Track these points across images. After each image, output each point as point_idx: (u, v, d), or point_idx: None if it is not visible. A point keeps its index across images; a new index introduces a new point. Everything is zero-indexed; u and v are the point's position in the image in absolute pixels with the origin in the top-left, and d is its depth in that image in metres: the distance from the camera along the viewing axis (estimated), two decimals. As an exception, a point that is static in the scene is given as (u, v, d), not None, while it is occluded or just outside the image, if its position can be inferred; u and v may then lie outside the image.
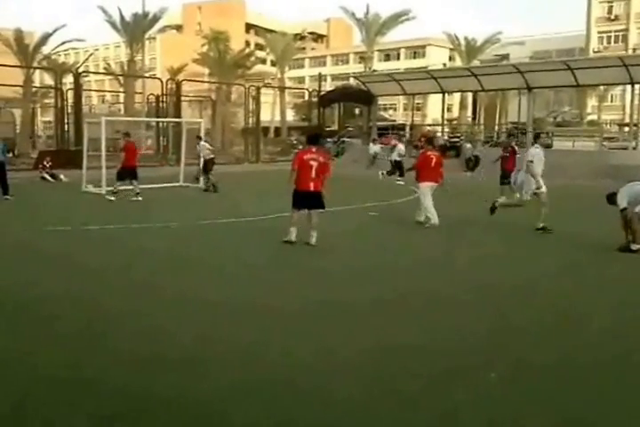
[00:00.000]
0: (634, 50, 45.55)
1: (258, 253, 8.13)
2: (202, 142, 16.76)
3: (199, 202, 14.41)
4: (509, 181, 14.77)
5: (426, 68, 41.14)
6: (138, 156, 14.88)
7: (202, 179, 16.47)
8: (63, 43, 39.93)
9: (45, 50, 39.55)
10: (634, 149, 24.68)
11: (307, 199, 8.54)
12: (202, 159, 16.58)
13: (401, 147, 21.01)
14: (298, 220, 8.66)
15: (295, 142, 34.05)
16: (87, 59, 37.80)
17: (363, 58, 54.92)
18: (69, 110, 27.66)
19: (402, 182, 18.38)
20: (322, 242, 8.51)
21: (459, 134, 30.45)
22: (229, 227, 10.35)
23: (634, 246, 8.36)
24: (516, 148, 15.32)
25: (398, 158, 20.14)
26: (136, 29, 41.57)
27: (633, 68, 23.11)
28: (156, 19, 42.64)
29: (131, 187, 14.24)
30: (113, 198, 13.95)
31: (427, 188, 10.64)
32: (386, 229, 10.57)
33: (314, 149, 8.71)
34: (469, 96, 43.90)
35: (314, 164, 8.45)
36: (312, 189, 8.48)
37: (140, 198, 13.94)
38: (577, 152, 24.38)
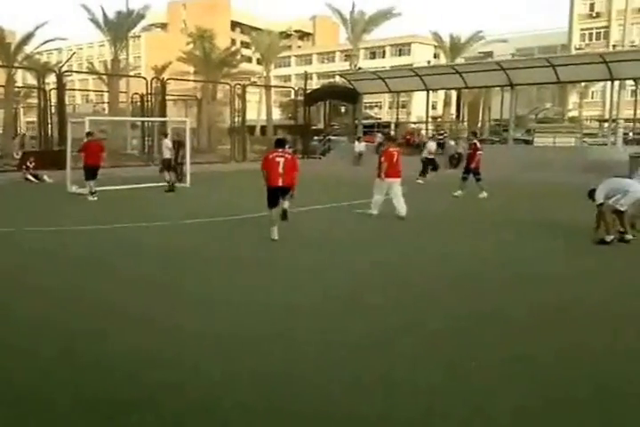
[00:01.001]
0: (614, 46, 45.98)
1: (236, 254, 8.21)
2: (165, 140, 16.79)
3: (177, 202, 14.46)
4: (466, 176, 15.31)
5: (410, 66, 41.34)
6: (102, 155, 14.76)
7: (167, 176, 16.33)
8: (46, 42, 39.59)
9: (28, 49, 39.21)
10: (613, 144, 25.05)
11: (278, 194, 8.96)
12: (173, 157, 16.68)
13: (431, 144, 20.92)
14: (276, 217, 9.03)
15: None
16: (70, 58, 37.41)
17: (348, 56, 54.99)
18: (52, 110, 27.55)
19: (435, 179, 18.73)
20: (305, 239, 8.65)
21: (442, 132, 30.67)
22: (207, 226, 10.44)
23: (607, 238, 8.63)
24: (478, 144, 15.70)
25: (430, 156, 20.12)
26: (120, 28, 41.28)
27: (613, 64, 23.44)
28: (139, 17, 42.37)
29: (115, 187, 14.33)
30: (95, 198, 14.05)
31: (387, 183, 11.08)
32: (371, 225, 10.69)
33: (280, 150, 9.09)
34: (453, 93, 44.13)
35: (280, 160, 8.84)
36: (281, 184, 8.83)
37: (90, 198, 13.96)
38: (557, 148, 24.71)
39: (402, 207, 11.03)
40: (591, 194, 9.02)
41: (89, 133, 15.15)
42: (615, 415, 3.51)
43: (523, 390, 3.78)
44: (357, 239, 9.27)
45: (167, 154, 16.37)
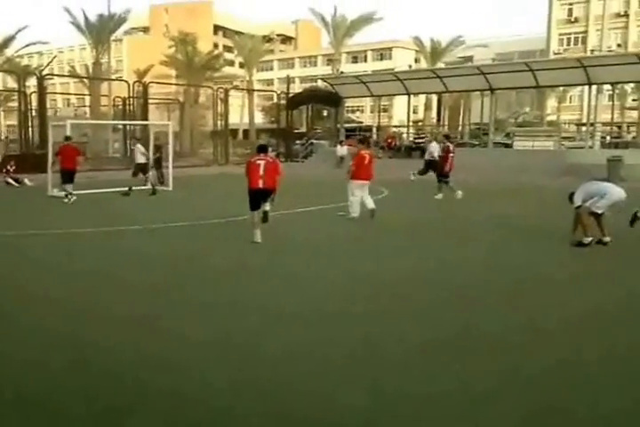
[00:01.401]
0: (592, 51, 46.75)
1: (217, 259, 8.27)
2: (138, 145, 16.77)
3: (159, 205, 14.42)
4: (442, 178, 15.47)
5: (392, 70, 41.63)
6: (78, 159, 14.84)
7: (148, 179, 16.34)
8: (27, 45, 39.39)
9: (8, 52, 38.90)
10: (590, 147, 25.47)
11: (259, 197, 9.07)
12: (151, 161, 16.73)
13: (434, 146, 19.93)
14: (258, 220, 9.10)
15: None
16: (51, 61, 37.22)
17: (330, 60, 55.25)
18: (33, 114, 27.36)
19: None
20: (287, 244, 8.75)
21: (424, 135, 30.95)
22: (188, 230, 10.48)
23: (585, 240, 8.77)
24: (451, 147, 15.86)
25: (432, 158, 19.16)
26: (102, 31, 41.15)
27: (590, 69, 23.85)
28: (121, 20, 42.27)
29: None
30: (75, 198, 14.14)
31: (358, 185, 11.38)
32: (353, 229, 10.76)
33: (262, 155, 9.28)
34: (434, 98, 44.54)
35: (261, 162, 9.03)
36: (261, 186, 8.95)
37: (66, 200, 14.02)
38: (536, 151, 25.07)
39: (369, 202, 11.44)
40: (571, 197, 9.16)
41: (67, 138, 15.17)
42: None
43: (516, 398, 3.75)
44: (340, 244, 9.29)
45: (141, 159, 16.33)
